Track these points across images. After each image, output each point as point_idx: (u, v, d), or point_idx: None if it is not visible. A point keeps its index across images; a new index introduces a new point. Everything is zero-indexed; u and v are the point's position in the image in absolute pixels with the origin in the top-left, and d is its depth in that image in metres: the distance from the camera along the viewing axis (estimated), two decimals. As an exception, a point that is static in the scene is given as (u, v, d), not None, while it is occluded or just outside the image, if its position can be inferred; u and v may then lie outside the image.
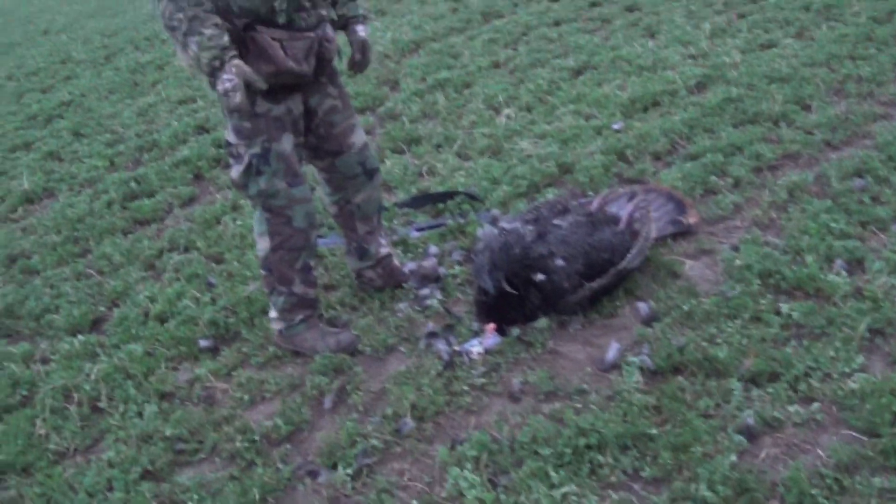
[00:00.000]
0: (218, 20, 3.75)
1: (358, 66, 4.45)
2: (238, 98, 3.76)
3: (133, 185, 7.18)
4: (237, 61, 3.75)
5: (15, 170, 8.53)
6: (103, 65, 12.60)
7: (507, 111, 6.86)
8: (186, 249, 5.90)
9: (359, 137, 4.43)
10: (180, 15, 3.72)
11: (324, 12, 4.07)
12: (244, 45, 3.86)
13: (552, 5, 10.20)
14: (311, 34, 3.97)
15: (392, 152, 6.70)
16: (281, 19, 3.88)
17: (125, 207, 6.85)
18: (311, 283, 4.37)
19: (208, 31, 3.71)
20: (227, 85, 3.75)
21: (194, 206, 6.68)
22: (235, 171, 4.13)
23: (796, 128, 5.75)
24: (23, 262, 6.27)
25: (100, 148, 8.50)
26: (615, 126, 6.12)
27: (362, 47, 4.39)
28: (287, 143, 4.08)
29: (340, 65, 4.36)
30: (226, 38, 3.75)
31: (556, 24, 9.31)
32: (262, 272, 4.34)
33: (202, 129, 8.29)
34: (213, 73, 3.77)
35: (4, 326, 5.44)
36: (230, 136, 4.09)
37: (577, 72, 7.57)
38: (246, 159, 4.06)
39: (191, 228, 6.14)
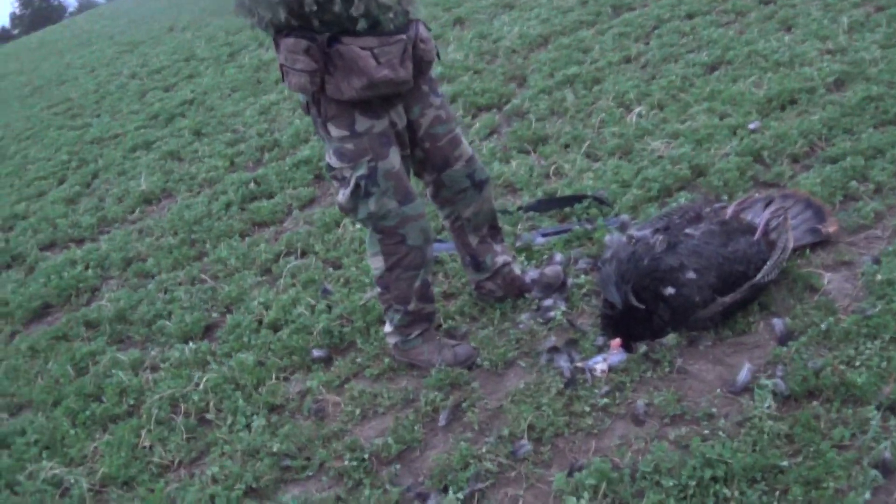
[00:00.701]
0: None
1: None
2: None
3: (252, 185, 7.22)
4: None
5: (135, 170, 8.66)
6: (226, 62, 12.75)
7: (638, 109, 6.64)
8: (304, 254, 5.86)
9: (465, 149, 4.22)
10: None
11: (411, 10, 3.81)
12: (331, 60, 3.66)
13: (685, -4, 9.92)
14: (403, 36, 3.74)
15: (518, 152, 6.55)
16: (362, 25, 3.63)
17: (243, 209, 6.89)
18: (428, 299, 4.22)
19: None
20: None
21: (314, 207, 6.68)
22: (342, 196, 3.95)
23: (941, 127, 5.43)
24: (138, 265, 6.35)
25: (220, 147, 8.59)
26: (751, 126, 5.86)
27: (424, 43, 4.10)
28: (394, 158, 3.89)
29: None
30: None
31: (689, 16, 9.02)
32: (378, 290, 4.21)
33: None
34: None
35: (116, 332, 5.48)
36: (332, 160, 3.92)
37: (712, 67, 7.30)
38: (352, 182, 3.88)
39: (309, 232, 6.11)
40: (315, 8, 3.57)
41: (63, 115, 12.70)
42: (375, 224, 3.98)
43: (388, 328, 4.32)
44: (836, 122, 5.60)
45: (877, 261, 4.18)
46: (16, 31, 64.31)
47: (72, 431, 4.51)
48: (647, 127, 6.29)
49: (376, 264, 4.13)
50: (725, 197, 5.03)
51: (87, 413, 4.62)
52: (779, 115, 6.00)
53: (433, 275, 4.83)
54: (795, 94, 6.18)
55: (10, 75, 19.06)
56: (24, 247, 7.56)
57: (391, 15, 3.68)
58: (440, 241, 5.35)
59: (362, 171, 3.85)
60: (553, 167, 6.10)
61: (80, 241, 7.41)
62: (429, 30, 3.96)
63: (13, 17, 69.15)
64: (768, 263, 3.98)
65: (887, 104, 5.71)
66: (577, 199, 5.42)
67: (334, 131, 3.84)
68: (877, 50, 6.73)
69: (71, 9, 64.95)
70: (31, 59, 20.70)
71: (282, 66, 3.80)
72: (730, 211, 4.42)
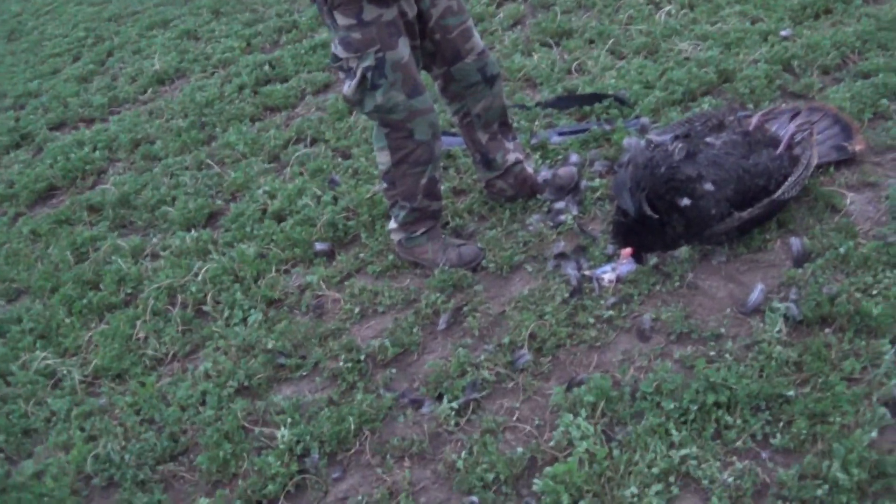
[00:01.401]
0: None
1: None
2: None
3: (267, 68, 7.06)
4: None
5: (150, 48, 8.56)
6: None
7: (667, 7, 6.42)
8: (314, 141, 5.75)
9: (477, 42, 4.05)
10: None
11: None
12: None
13: None
14: None
15: (541, 45, 6.35)
16: None
17: (256, 92, 6.78)
18: (435, 196, 4.10)
19: None
20: None
21: (328, 94, 6.53)
22: (347, 87, 3.80)
23: None
24: (146, 147, 6.28)
25: (238, 28, 8.44)
26: (783, 32, 5.64)
27: None
28: (403, 48, 3.73)
29: None
30: None
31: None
32: (384, 184, 4.09)
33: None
34: None
35: (118, 217, 5.43)
36: (338, 50, 3.77)
37: (747, -32, 7.07)
38: (359, 73, 3.73)
39: (321, 119, 5.99)
40: None
41: None
42: (382, 117, 3.86)
43: (392, 224, 4.23)
44: (871, 36, 5.39)
45: (903, 184, 4.03)
46: None
47: (67, 320, 4.47)
48: (675, 27, 6.07)
49: (382, 159, 4.03)
50: (751, 105, 4.86)
51: (84, 301, 4.57)
52: (812, 24, 5.79)
53: (442, 170, 4.70)
54: (831, 3, 5.95)
55: None
56: (33, 126, 7.45)
57: None
58: (452, 135, 5.20)
59: (369, 61, 3.71)
60: (576, 63, 5.91)
61: (90, 122, 7.29)
62: None
63: None
64: (790, 179, 3.82)
65: (926, 13, 5.51)
66: (598, 97, 5.25)
67: (341, 19, 3.69)
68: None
69: None
70: None
71: None
72: (754, 121, 4.24)
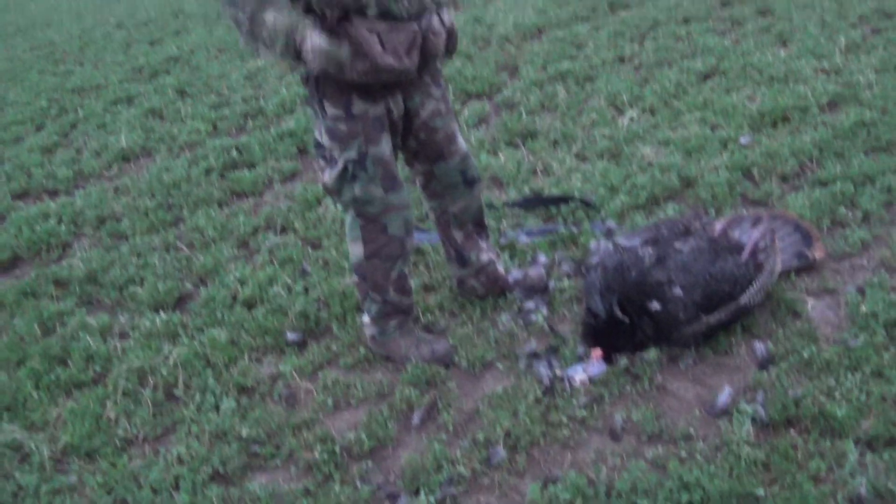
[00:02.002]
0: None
1: (447, 52, 4.08)
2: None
3: (234, 153, 7.11)
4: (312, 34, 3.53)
5: (115, 124, 8.53)
6: (215, 21, 12.59)
7: (630, 113, 6.62)
8: (283, 230, 5.78)
9: (460, 145, 4.17)
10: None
11: (426, 1, 3.70)
12: (337, 39, 3.56)
13: (682, 0, 9.89)
14: (414, 25, 3.65)
15: (506, 145, 6.50)
16: (371, 11, 3.54)
17: (223, 177, 6.80)
18: (406, 292, 4.17)
19: (277, 18, 3.52)
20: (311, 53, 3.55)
21: (295, 182, 6.59)
22: (328, 176, 3.89)
23: (931, 160, 5.44)
24: (112, 224, 6.25)
25: (203, 110, 8.47)
26: (743, 140, 5.84)
27: (449, 35, 3.98)
28: (386, 145, 3.83)
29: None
30: (296, 19, 3.54)
31: (686, 20, 9.02)
32: (355, 277, 4.16)
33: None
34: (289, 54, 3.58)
35: (86, 293, 5.39)
36: (322, 138, 3.86)
37: (705, 76, 7.29)
38: (340, 164, 3.82)
39: (290, 208, 6.03)
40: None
41: (45, 58, 12.47)
42: (358, 209, 3.93)
43: (365, 318, 4.28)
44: (828, 145, 5.60)
45: (861, 291, 4.19)
46: None
47: (34, 394, 4.42)
48: (637, 131, 6.26)
49: (355, 251, 4.07)
50: (713, 211, 5.02)
51: (52, 377, 4.53)
52: (770, 132, 5.99)
53: (412, 266, 4.80)
54: (788, 112, 6.17)
55: None
56: None
57: (404, 2, 3.60)
58: (422, 230, 5.30)
59: (352, 154, 3.79)
60: (541, 164, 6.05)
61: (54, 193, 7.24)
62: (444, 23, 3.86)
63: None
64: (754, 286, 3.96)
65: (880, 130, 5.71)
66: (564, 199, 5.38)
67: (329, 109, 3.77)
68: (872, 73, 6.75)
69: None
70: None
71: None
72: (718, 227, 4.40)
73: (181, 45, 11.42)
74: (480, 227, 4.50)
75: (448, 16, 3.91)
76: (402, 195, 3.95)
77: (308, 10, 3.58)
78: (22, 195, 7.28)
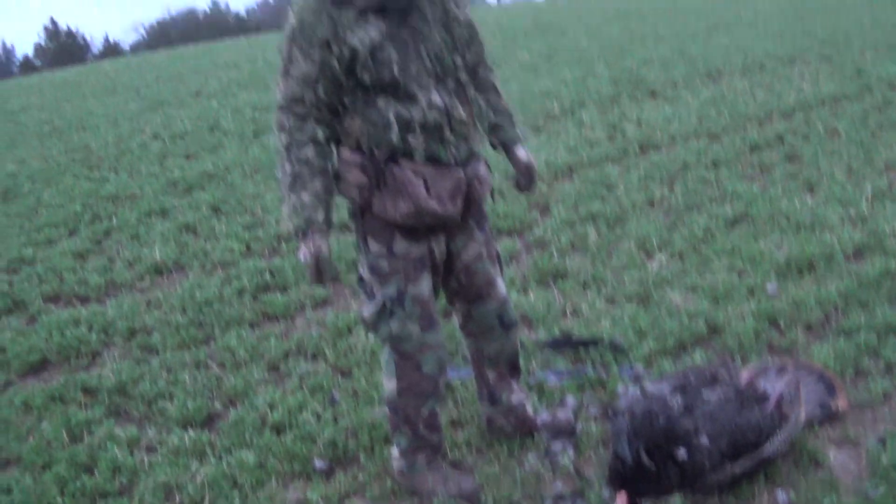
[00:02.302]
0: (321, 185, 3.72)
1: (524, 188, 4.32)
2: (309, 275, 3.77)
3: (267, 276, 7.23)
4: (319, 242, 3.70)
5: (148, 236, 8.66)
6: (251, 140, 12.76)
7: (659, 257, 6.77)
8: (314, 357, 5.87)
9: (500, 290, 4.27)
10: (287, 167, 3.71)
11: (475, 147, 3.89)
12: (383, 178, 3.74)
13: (712, 144, 10.11)
14: (460, 172, 3.81)
15: (537, 284, 6.64)
16: (419, 154, 3.72)
17: (256, 298, 6.92)
18: (436, 428, 4.24)
19: (306, 199, 3.67)
20: (302, 259, 3.72)
21: (327, 309, 6.70)
22: (367, 310, 4.01)
23: (954, 311, 5.54)
24: (143, 337, 6.36)
25: (237, 229, 8.60)
26: (769, 288, 5.96)
27: (527, 171, 4.21)
28: (425, 285, 3.95)
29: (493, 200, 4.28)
30: (319, 215, 3.71)
31: (715, 165, 9.21)
32: (387, 411, 4.25)
33: (346, 228, 8.20)
34: (297, 236, 3.74)
35: (115, 404, 5.47)
36: (364, 272, 3.99)
37: (734, 221, 7.44)
38: (379, 299, 3.94)
39: (321, 335, 6.12)
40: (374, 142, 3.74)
41: (81, 162, 12.62)
42: (394, 345, 4.03)
43: (394, 451, 4.35)
44: (853, 294, 5.70)
45: (882, 441, 4.25)
46: (39, 63, 64.79)
47: (59, 500, 4.49)
48: (666, 276, 6.40)
49: (389, 385, 4.15)
50: (739, 358, 5.11)
51: (78, 484, 4.60)
52: (797, 280, 6.10)
53: (443, 402, 4.87)
54: (815, 260, 6.29)
55: (31, 110, 18.92)
56: (27, 294, 7.55)
57: (452, 149, 3.77)
58: (454, 366, 5.41)
59: (391, 291, 3.92)
60: (571, 305, 6.18)
61: (85, 300, 7.40)
62: (488, 168, 4.05)
63: (37, 48, 69.61)
64: (779, 436, 4.05)
65: (904, 280, 5.82)
66: (593, 342, 5.48)
67: (373, 245, 3.92)
68: (897, 222, 6.87)
69: (95, 50, 65.61)
70: (54, 98, 20.58)
71: (336, 170, 3.89)
72: (745, 377, 4.50)
73: (217, 161, 11.57)
74: (514, 368, 4.58)
75: (523, 151, 4.14)
76: (438, 335, 4.05)
77: (357, 147, 3.77)
78: (53, 299, 7.43)
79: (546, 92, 13.80)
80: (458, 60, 3.86)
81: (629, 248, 7.05)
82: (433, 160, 3.75)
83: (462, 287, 4.21)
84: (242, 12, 71.11)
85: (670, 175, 9.04)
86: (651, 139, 10.61)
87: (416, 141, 3.71)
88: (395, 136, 3.70)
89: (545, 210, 8.42)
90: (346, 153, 3.85)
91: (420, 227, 3.87)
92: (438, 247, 4.00)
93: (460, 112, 3.81)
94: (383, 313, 3.96)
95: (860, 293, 5.73)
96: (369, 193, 3.81)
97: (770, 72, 14.35)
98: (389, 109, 3.71)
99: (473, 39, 4.02)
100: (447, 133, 3.75)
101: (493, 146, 4.23)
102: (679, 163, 9.36)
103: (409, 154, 3.73)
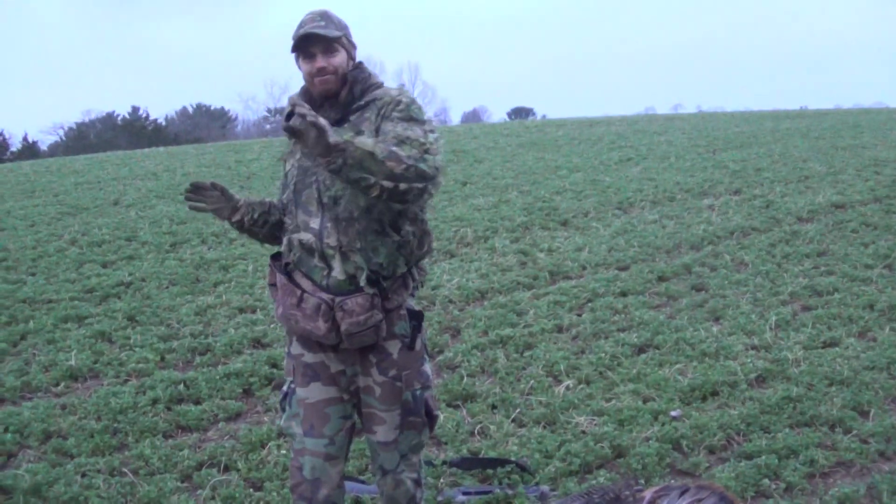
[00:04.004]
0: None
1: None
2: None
3: (182, 387, 7.21)
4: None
5: (64, 341, 8.57)
6: (168, 252, 12.74)
7: (566, 383, 6.86)
8: (226, 468, 5.85)
9: (384, 433, 4.17)
10: None
11: (340, 276, 3.91)
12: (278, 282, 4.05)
13: (621, 274, 10.31)
14: (325, 296, 3.89)
15: (447, 405, 6.70)
16: (301, 270, 4.00)
17: (170, 409, 6.87)
18: None
19: None
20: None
21: (240, 422, 6.70)
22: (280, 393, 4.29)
23: (852, 435, 5.74)
24: (58, 441, 6.27)
25: (152, 340, 8.55)
26: (673, 413, 6.10)
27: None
28: (314, 393, 4.09)
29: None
30: None
31: (623, 294, 9.40)
32: None
33: (259, 343, 8.35)
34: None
35: None
36: None
37: (640, 349, 7.61)
38: (281, 393, 4.26)
39: (233, 447, 6.12)
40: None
41: None
42: (288, 437, 4.26)
43: None
44: (755, 419, 5.87)
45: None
46: None
47: None
48: (573, 400, 6.50)
49: None
50: (643, 481, 5.21)
51: None
52: (700, 405, 6.25)
53: None
54: (718, 387, 6.46)
55: None
56: None
57: (325, 273, 3.92)
58: (361, 481, 5.45)
59: (285, 387, 4.21)
60: (479, 426, 6.24)
61: (0, 401, 7.27)
62: (383, 308, 3.99)
63: None
64: (681, 556, 4.13)
65: (805, 405, 6.01)
66: (501, 462, 5.55)
67: (286, 343, 4.22)
68: (800, 350, 7.11)
69: (13, 148, 64.92)
70: None
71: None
72: (647, 496, 4.57)
73: (133, 271, 11.51)
74: None
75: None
76: (320, 444, 4.09)
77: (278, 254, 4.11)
78: (-33, 398, 7.31)
79: (459, 218, 13.98)
80: (348, 194, 3.86)
81: (537, 373, 7.15)
82: (309, 279, 3.98)
83: (356, 408, 4.26)
84: (161, 120, 70.70)
85: (579, 303, 9.19)
86: (561, 267, 10.79)
87: (295, 257, 4.00)
88: (283, 247, 4.06)
89: (455, 334, 8.50)
90: (274, 258, 4.15)
91: (312, 339, 4.03)
92: (334, 364, 4.10)
93: (330, 240, 3.90)
94: (281, 404, 4.24)
95: (762, 418, 5.90)
96: (273, 293, 4.11)
97: (680, 203, 14.70)
98: (287, 223, 4.07)
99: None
100: (316, 257, 3.94)
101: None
102: (588, 291, 9.53)
103: (297, 267, 4.01)
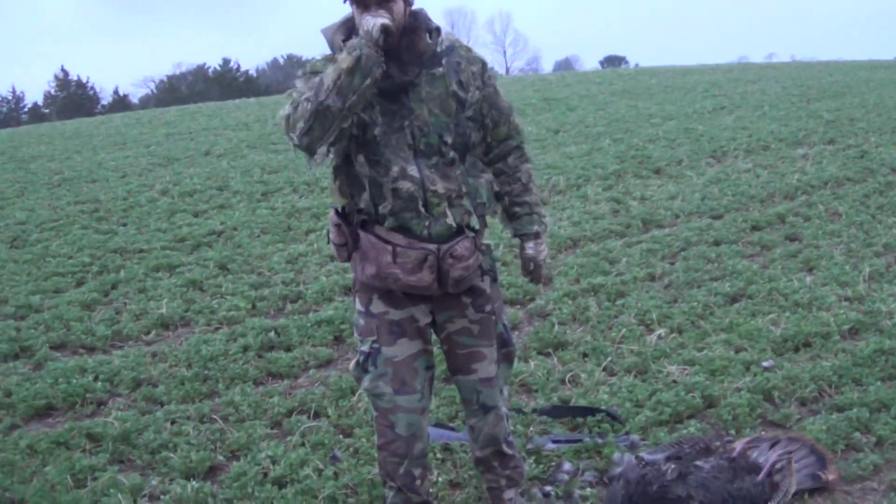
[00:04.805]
0: None
1: (531, 280, 4.34)
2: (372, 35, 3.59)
3: (272, 335, 7.31)
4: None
5: (155, 290, 8.70)
6: (259, 201, 12.84)
7: (658, 332, 6.89)
8: (316, 415, 5.92)
9: (484, 369, 4.18)
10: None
11: (461, 224, 3.89)
12: (357, 242, 3.89)
13: (714, 223, 10.27)
14: (430, 247, 3.82)
15: (537, 353, 6.74)
16: (388, 224, 3.80)
17: (260, 356, 6.98)
18: (413, 490, 4.18)
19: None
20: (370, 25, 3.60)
21: (330, 369, 6.78)
22: (352, 363, 4.16)
23: (945, 388, 5.66)
24: (147, 388, 6.41)
25: (243, 288, 8.68)
26: (765, 364, 6.09)
27: (530, 265, 4.22)
28: (402, 349, 4.00)
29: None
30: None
31: (716, 243, 9.35)
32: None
33: (349, 291, 8.30)
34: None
35: (118, 451, 5.50)
36: (355, 327, 4.16)
37: (733, 298, 7.58)
38: (358, 355, 4.09)
39: (324, 393, 6.19)
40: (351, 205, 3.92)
41: (90, 214, 12.61)
42: (372, 401, 4.12)
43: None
44: (847, 371, 5.83)
45: (872, 514, 4.36)
46: (47, 111, 64.64)
47: None
48: (664, 349, 6.51)
49: (375, 439, 4.24)
50: (733, 431, 5.21)
51: None
52: (792, 356, 6.22)
53: (428, 466, 4.51)
54: (811, 338, 6.42)
55: (41, 159, 18.76)
56: (34, 341, 7.55)
57: (426, 223, 3.82)
58: (451, 429, 5.52)
59: (366, 348, 4.03)
60: (570, 375, 6.27)
61: (91, 350, 7.44)
62: (480, 249, 4.03)
63: (46, 96, 69.27)
64: (770, 505, 4.16)
65: (897, 359, 5.94)
66: (591, 411, 5.58)
67: (357, 303, 4.10)
68: (893, 302, 7.03)
69: (104, 101, 65.58)
70: (64, 148, 20.32)
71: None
72: (738, 448, 4.61)
73: (225, 220, 11.62)
74: (500, 456, 4.45)
75: (531, 246, 4.19)
76: (413, 399, 4.05)
77: (342, 210, 3.97)
78: (59, 347, 7.47)
79: (552, 166, 13.96)
80: (449, 139, 3.87)
81: (629, 322, 7.16)
82: (405, 230, 3.84)
83: (446, 354, 4.26)
84: (252, 72, 70.90)
85: (672, 251, 9.18)
86: (654, 216, 10.76)
87: (386, 209, 3.81)
88: (364, 201, 3.84)
89: (547, 281, 8.51)
90: (332, 213, 4.02)
91: (397, 293, 3.97)
92: (423, 315, 4.06)
93: (438, 187, 3.84)
94: (359, 368, 4.09)
95: (854, 371, 5.85)
96: (347, 254, 3.98)
97: (774, 153, 14.52)
98: (364, 172, 3.83)
99: (495, 119, 4.07)
100: (420, 206, 3.81)
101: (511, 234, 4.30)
102: (681, 240, 9.50)
103: (380, 221, 3.84)
